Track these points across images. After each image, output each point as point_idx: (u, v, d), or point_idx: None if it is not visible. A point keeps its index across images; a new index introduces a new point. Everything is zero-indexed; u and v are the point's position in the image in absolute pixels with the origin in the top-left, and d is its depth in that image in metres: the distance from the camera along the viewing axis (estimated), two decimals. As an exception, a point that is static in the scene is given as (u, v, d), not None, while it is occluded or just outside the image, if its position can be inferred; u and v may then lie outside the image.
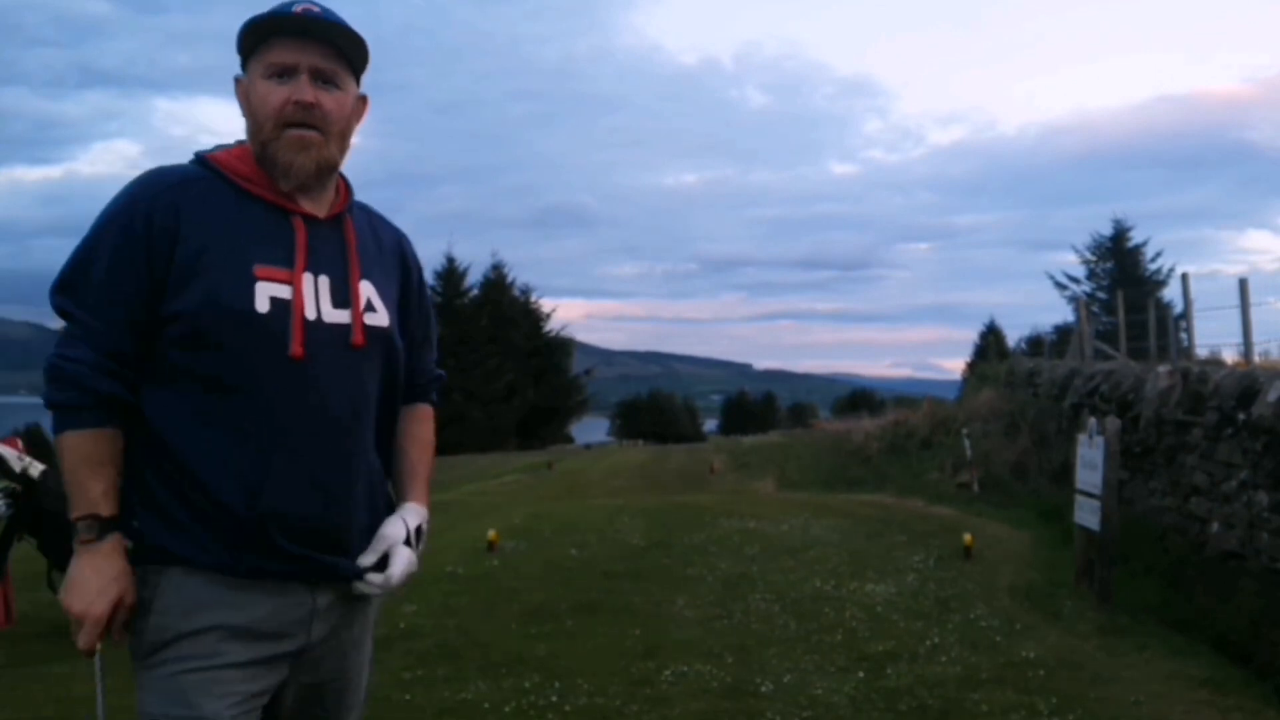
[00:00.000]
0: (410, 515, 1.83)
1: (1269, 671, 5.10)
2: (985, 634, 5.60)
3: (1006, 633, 5.62)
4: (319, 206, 1.76)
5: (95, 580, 1.59)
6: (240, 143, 1.77)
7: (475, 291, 44.85)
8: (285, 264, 1.67)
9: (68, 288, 1.65)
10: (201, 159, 1.74)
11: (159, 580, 1.63)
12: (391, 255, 1.88)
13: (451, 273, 44.31)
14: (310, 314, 1.67)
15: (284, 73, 1.69)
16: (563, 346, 48.05)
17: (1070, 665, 4.99)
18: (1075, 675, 4.81)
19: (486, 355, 42.26)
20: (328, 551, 1.69)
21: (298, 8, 1.70)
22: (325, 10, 1.72)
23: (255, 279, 1.64)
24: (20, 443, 5.70)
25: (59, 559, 5.47)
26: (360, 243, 1.80)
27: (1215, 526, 7.29)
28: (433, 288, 44.25)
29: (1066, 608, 6.25)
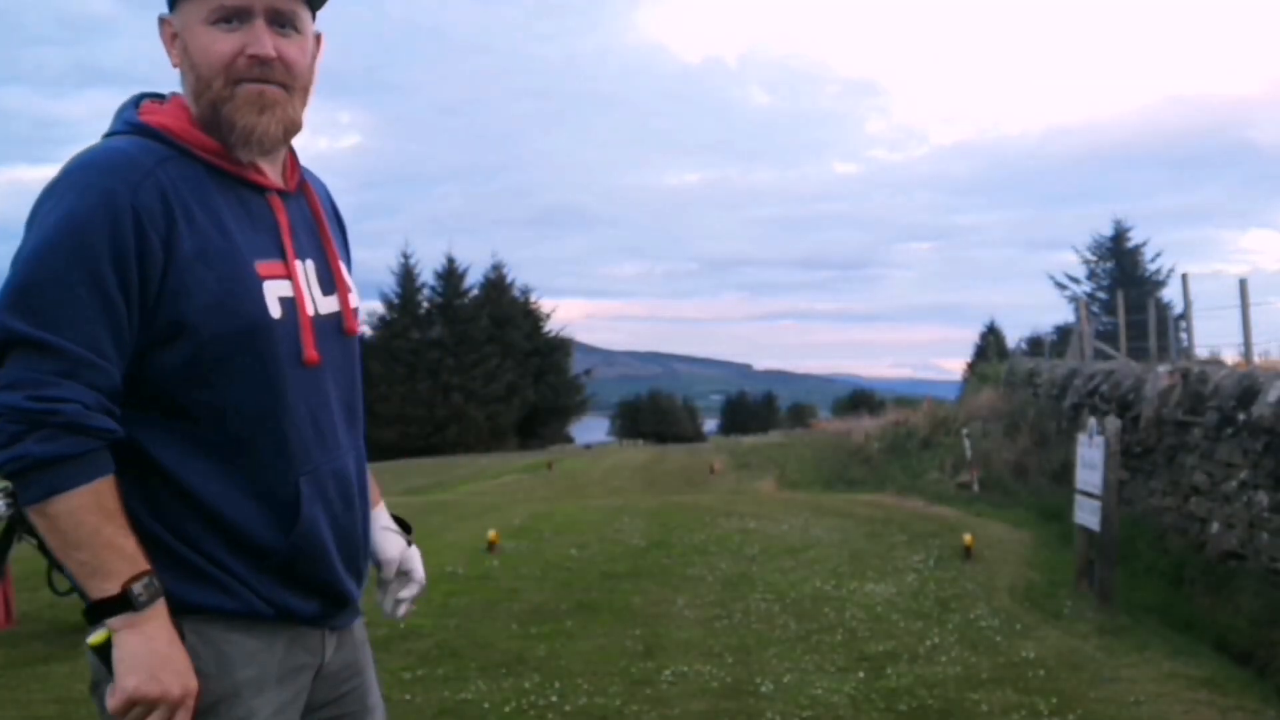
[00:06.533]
0: (390, 522, 1.71)
1: (1269, 671, 5.11)
2: (985, 634, 5.60)
3: (1006, 633, 5.62)
4: (275, 174, 1.51)
5: (177, 653, 1.32)
6: (175, 96, 1.48)
7: (475, 291, 44.86)
8: (277, 255, 1.45)
9: (33, 309, 1.29)
10: (148, 129, 1.42)
11: (180, 632, 1.38)
12: (335, 218, 1.65)
13: (451, 273, 44.32)
14: (310, 309, 1.47)
15: (233, 16, 1.40)
16: (563, 346, 48.09)
17: (1070, 665, 4.99)
18: (1075, 675, 4.81)
19: (486, 355, 42.27)
20: (348, 573, 1.54)
21: None
22: None
23: (261, 280, 1.41)
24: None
25: (59, 559, 5.47)
26: (325, 215, 1.59)
27: (1215, 526, 7.30)
28: (432, 288, 44.36)
29: (1066, 608, 6.25)
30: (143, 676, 1.29)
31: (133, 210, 1.33)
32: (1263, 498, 6.65)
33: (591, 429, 59.85)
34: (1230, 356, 11.80)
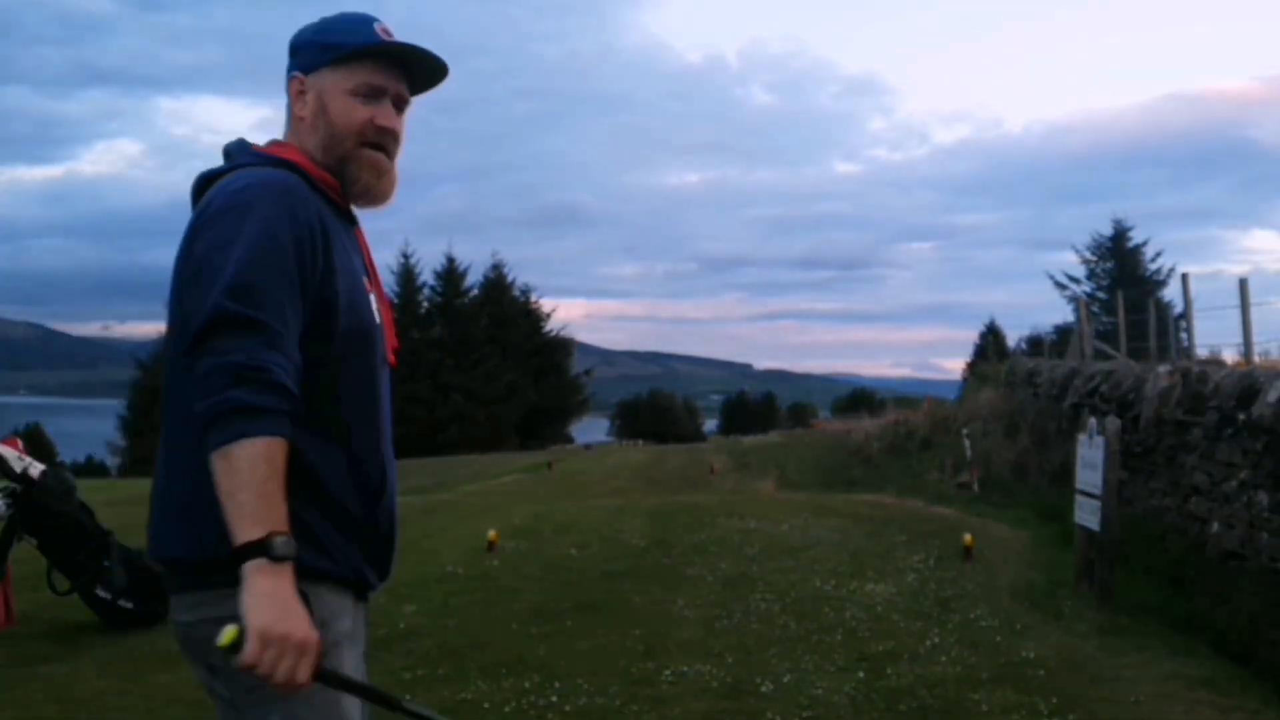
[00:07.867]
0: None
1: (1269, 671, 5.10)
2: (985, 634, 5.60)
3: (1006, 633, 5.62)
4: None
5: (302, 607, 1.47)
6: (274, 142, 1.80)
7: (475, 291, 44.86)
8: (366, 274, 1.79)
9: (246, 296, 1.52)
10: (285, 163, 1.72)
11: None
12: None
13: (451, 273, 44.32)
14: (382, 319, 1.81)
15: (372, 93, 1.76)
16: (563, 346, 48.04)
17: (1070, 665, 4.99)
18: (1075, 675, 4.81)
19: (486, 355, 42.27)
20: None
21: (392, 33, 1.78)
22: (427, 49, 1.80)
23: (368, 292, 1.75)
24: (20, 443, 5.70)
25: (59, 559, 5.48)
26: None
27: (1215, 526, 7.29)
28: (433, 288, 44.36)
29: (1066, 608, 6.25)
30: (272, 616, 1.42)
31: (307, 225, 1.63)
32: (1263, 498, 6.64)
33: (591, 429, 59.82)
34: (1230, 356, 11.80)
